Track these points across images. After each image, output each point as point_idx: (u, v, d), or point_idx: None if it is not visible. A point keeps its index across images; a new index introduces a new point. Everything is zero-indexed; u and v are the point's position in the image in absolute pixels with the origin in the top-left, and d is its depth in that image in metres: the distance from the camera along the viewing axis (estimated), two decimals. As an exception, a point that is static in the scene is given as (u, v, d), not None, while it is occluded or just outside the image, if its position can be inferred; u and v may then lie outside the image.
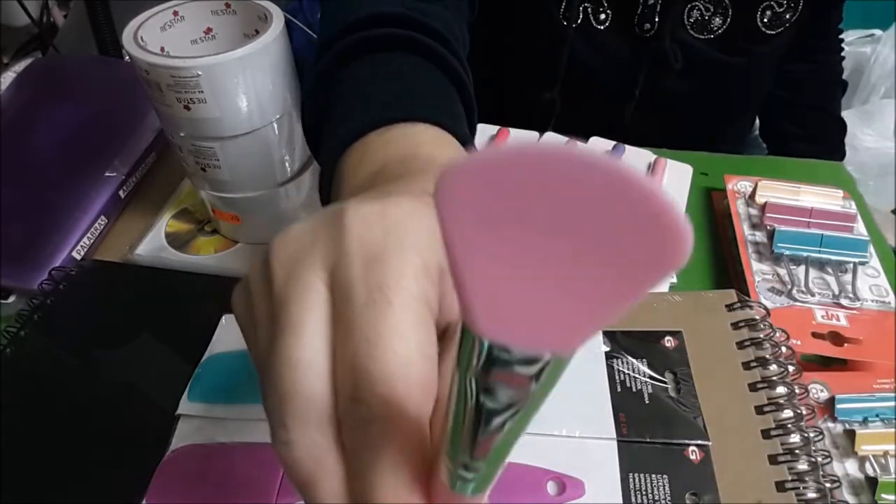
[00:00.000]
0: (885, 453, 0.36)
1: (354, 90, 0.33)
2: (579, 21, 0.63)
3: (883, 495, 0.35)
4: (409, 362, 0.17)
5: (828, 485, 0.33)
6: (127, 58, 0.40)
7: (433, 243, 0.18)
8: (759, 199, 0.52)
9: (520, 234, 0.10)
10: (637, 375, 0.38)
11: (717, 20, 0.62)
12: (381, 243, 0.18)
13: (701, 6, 0.62)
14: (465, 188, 0.10)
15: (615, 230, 0.09)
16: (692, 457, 0.35)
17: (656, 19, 0.62)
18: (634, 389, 0.38)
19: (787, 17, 0.63)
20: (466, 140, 0.30)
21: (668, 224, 0.09)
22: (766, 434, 0.35)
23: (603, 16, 0.63)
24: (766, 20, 0.63)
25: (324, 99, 0.35)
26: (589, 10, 0.63)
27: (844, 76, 0.78)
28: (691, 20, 0.62)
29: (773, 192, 0.52)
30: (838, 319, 0.44)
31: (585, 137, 0.58)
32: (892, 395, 0.39)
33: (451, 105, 0.34)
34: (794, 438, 0.35)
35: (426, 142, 0.28)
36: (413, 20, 0.37)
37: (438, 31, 0.37)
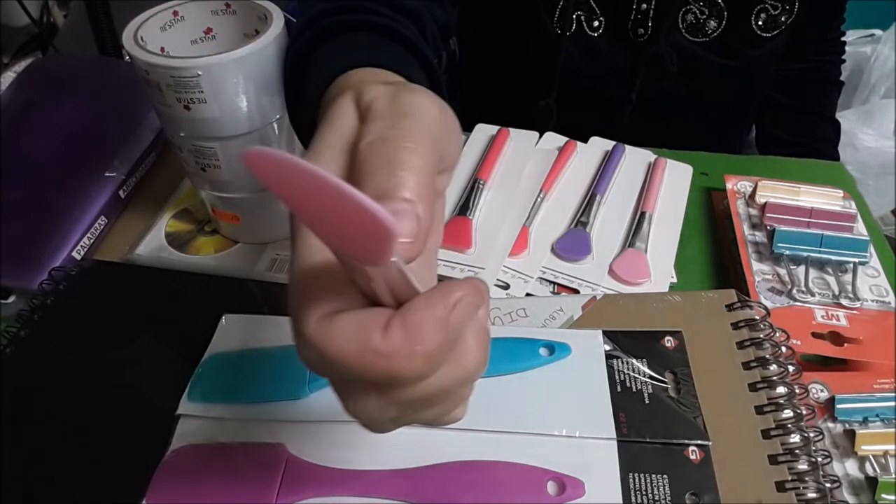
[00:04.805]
0: (885, 453, 0.36)
1: (318, 65, 0.36)
2: (573, 29, 0.63)
3: (883, 495, 0.35)
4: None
5: (828, 485, 0.33)
6: (127, 58, 0.40)
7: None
8: (759, 199, 0.52)
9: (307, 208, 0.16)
10: (637, 375, 0.38)
11: (712, 23, 0.62)
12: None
13: (695, 9, 0.61)
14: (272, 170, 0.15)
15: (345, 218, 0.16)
16: (692, 457, 0.35)
17: (650, 24, 0.62)
18: (634, 389, 0.38)
19: (783, 19, 0.63)
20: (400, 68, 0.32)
21: (374, 221, 0.15)
22: (766, 434, 0.35)
23: (596, 23, 0.63)
24: (760, 23, 0.62)
25: (299, 81, 0.37)
26: (582, 17, 0.63)
27: (844, 76, 0.78)
28: (685, 23, 0.62)
29: (773, 192, 0.52)
30: (838, 319, 0.44)
31: (584, 138, 0.58)
32: (892, 395, 0.39)
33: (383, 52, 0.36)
34: (794, 438, 0.35)
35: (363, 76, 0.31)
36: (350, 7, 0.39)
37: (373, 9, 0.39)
